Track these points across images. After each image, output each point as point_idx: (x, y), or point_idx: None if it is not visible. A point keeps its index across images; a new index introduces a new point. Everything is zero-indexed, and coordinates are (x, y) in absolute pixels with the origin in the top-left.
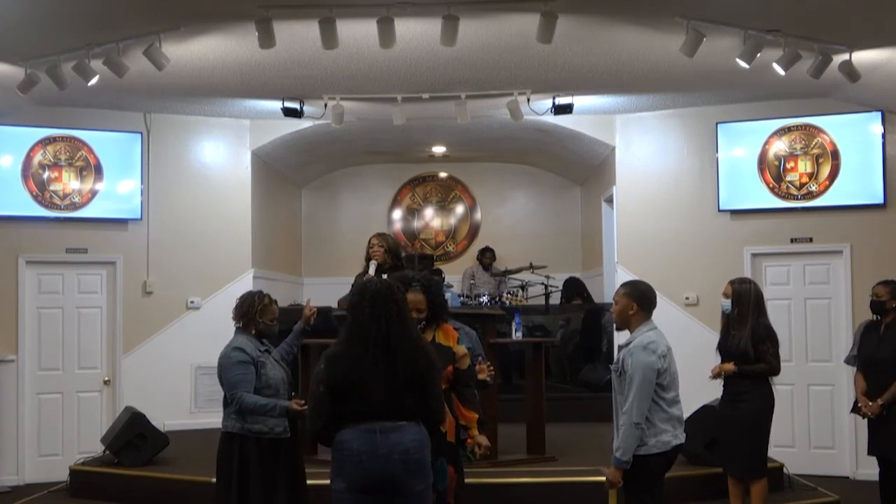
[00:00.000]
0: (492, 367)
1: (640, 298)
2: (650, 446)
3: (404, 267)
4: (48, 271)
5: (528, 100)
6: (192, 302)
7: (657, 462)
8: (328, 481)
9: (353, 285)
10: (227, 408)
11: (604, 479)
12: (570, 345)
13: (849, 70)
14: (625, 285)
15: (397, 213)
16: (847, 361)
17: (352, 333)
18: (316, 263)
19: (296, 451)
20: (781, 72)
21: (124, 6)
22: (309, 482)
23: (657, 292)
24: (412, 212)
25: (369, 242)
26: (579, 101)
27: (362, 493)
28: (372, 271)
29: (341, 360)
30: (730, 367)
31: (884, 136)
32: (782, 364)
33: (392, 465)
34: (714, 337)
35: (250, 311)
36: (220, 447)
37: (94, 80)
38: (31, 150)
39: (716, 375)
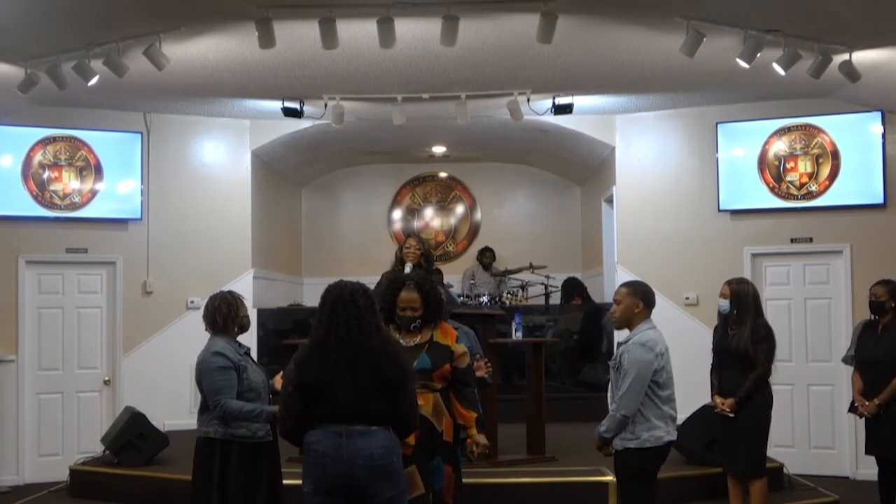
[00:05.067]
0: (489, 365)
1: (644, 297)
2: (643, 440)
3: (431, 272)
4: (48, 271)
5: (528, 100)
6: (192, 302)
7: (649, 457)
8: None
9: (378, 284)
10: (204, 413)
11: (604, 478)
12: (563, 344)
13: (849, 70)
14: (626, 285)
15: (397, 213)
16: (844, 361)
17: (315, 337)
18: (316, 263)
19: (275, 453)
20: (781, 72)
21: (124, 6)
22: (300, 483)
23: (657, 292)
24: (412, 212)
25: (405, 242)
26: (579, 101)
27: (328, 495)
28: (408, 271)
29: (307, 363)
30: (730, 402)
31: (884, 136)
32: (782, 364)
33: (356, 469)
34: None
35: (231, 311)
36: (197, 452)
37: (94, 80)
38: (31, 150)
39: (721, 411)
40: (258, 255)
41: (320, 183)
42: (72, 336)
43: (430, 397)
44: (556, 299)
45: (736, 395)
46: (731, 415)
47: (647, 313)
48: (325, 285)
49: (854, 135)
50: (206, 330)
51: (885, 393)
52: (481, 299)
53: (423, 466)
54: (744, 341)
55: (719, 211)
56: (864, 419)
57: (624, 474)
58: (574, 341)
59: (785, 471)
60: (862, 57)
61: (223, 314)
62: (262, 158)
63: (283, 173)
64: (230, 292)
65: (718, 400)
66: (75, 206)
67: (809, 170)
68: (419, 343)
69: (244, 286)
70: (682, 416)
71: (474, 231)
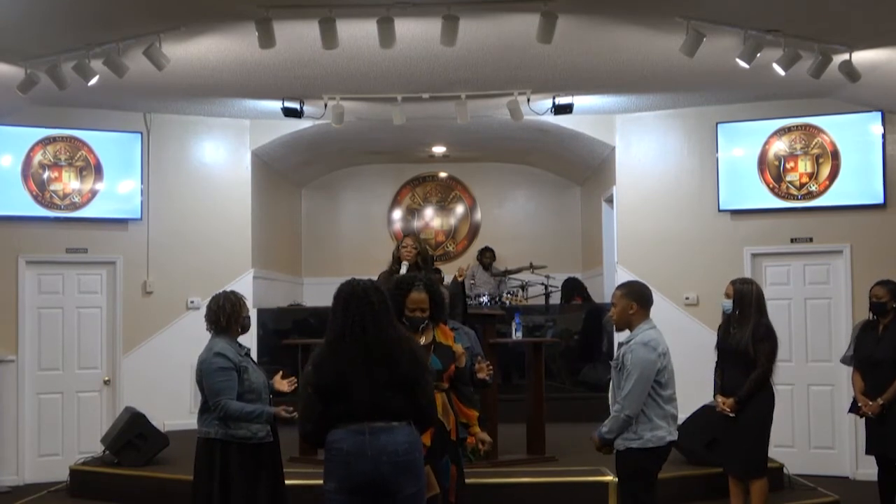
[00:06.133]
0: (490, 367)
1: (639, 297)
2: (645, 440)
3: (431, 272)
4: (48, 271)
5: (528, 100)
6: (192, 302)
7: (650, 457)
8: (320, 482)
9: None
10: (205, 413)
11: (604, 478)
12: (563, 344)
13: (849, 70)
14: (621, 287)
15: (397, 213)
16: (843, 361)
17: (330, 336)
18: (316, 263)
19: (276, 453)
20: (781, 72)
21: (124, 6)
22: (301, 482)
23: (657, 292)
24: (412, 212)
25: (402, 241)
26: (579, 101)
27: (352, 494)
28: (404, 271)
29: (324, 363)
30: (730, 402)
31: (884, 136)
32: (782, 364)
33: (381, 466)
34: (714, 337)
35: (234, 310)
36: (198, 453)
37: (94, 80)
38: (31, 150)
39: (722, 411)
40: (258, 255)
41: (320, 183)
42: (72, 336)
43: (440, 397)
44: (556, 299)
45: (736, 394)
46: (732, 415)
47: (645, 313)
48: (324, 285)
49: (854, 135)
50: (208, 329)
51: (889, 393)
52: (481, 299)
53: (436, 466)
54: (745, 341)
55: (719, 211)
56: (864, 419)
57: (625, 474)
58: (574, 341)
59: (785, 471)
60: (862, 57)
61: (227, 313)
62: (262, 158)
63: (283, 173)
64: (233, 292)
65: (720, 399)
66: (75, 206)
67: (809, 170)
68: (425, 344)
69: (244, 286)
70: (682, 416)
71: (474, 231)
